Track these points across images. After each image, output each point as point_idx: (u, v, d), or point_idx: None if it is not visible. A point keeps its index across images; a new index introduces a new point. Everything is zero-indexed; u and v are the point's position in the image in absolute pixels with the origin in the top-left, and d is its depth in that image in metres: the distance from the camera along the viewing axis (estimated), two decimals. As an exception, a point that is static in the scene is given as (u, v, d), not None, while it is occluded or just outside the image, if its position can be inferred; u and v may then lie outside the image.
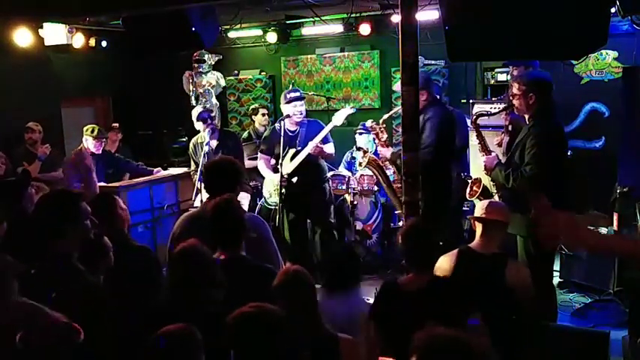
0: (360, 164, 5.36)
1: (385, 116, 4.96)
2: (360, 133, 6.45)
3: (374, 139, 5.16)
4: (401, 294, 2.78)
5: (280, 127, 5.23)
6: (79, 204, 2.75)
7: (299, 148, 5.23)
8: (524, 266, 3.35)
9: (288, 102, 5.25)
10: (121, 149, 7.24)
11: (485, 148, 4.16)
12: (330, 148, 5.31)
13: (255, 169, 6.24)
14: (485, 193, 4.14)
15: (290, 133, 5.27)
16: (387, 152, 4.69)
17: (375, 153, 6.44)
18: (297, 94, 5.29)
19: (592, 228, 4.65)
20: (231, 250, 2.78)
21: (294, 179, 5.23)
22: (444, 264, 3.14)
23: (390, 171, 5.00)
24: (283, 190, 5.17)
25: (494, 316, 2.94)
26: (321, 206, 5.45)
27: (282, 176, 5.17)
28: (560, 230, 1.94)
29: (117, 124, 7.44)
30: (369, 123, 5.13)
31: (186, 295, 2.43)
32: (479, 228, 3.23)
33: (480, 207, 3.28)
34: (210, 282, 2.45)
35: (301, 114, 5.25)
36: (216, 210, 2.85)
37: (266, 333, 1.97)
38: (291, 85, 6.89)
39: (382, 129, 4.83)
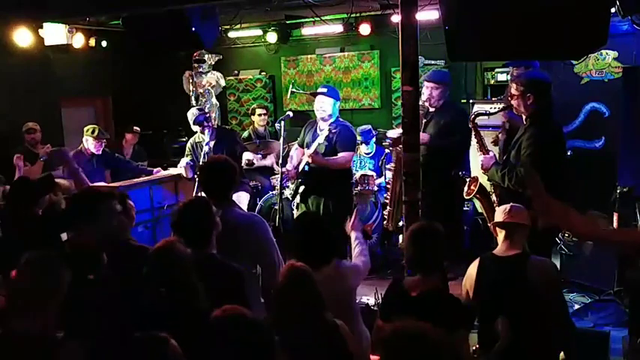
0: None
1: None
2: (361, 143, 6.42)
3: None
4: (406, 296, 2.75)
5: (280, 127, 5.21)
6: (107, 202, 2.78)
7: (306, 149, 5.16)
8: (548, 261, 3.27)
9: (314, 95, 5.17)
10: (136, 150, 7.30)
11: (483, 148, 4.16)
12: (341, 159, 5.04)
13: (256, 168, 6.26)
14: (483, 192, 4.14)
15: (318, 132, 5.12)
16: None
17: (378, 152, 6.47)
18: (324, 90, 5.11)
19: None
20: (199, 248, 2.77)
21: (300, 180, 5.18)
22: (469, 271, 3.12)
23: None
24: (300, 189, 5.15)
25: (521, 318, 2.92)
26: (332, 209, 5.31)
27: (300, 172, 5.14)
28: (554, 213, 1.99)
29: (138, 128, 7.48)
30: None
31: (163, 294, 2.46)
32: (501, 233, 3.12)
33: (500, 212, 3.18)
34: (183, 281, 2.47)
35: (324, 111, 5.04)
36: (183, 209, 2.87)
37: (241, 336, 1.98)
38: (291, 85, 6.89)
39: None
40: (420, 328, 1.75)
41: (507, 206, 3.20)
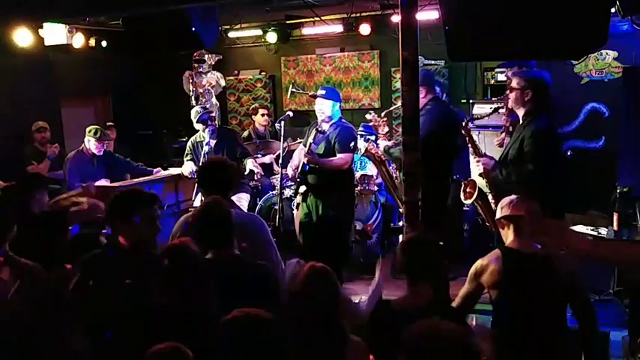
0: (362, 154, 5.32)
1: (385, 112, 5.08)
2: (361, 136, 6.42)
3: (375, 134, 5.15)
4: (396, 315, 2.68)
5: (280, 127, 5.22)
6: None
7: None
8: (563, 255, 3.23)
9: (313, 97, 5.18)
10: (117, 148, 7.24)
11: (477, 151, 4.17)
12: (338, 160, 4.99)
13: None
14: (480, 194, 4.14)
15: (320, 133, 5.11)
16: (382, 144, 4.74)
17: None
18: (322, 92, 5.12)
19: (590, 228, 4.65)
20: (221, 249, 2.77)
21: (300, 179, 5.16)
22: (489, 267, 2.96)
23: (393, 166, 5.02)
24: (302, 189, 5.14)
25: (553, 318, 2.90)
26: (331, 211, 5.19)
27: (299, 174, 5.13)
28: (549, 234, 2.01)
29: (112, 123, 7.44)
30: (369, 116, 5.05)
31: (172, 294, 2.46)
32: (510, 228, 3.03)
33: (506, 205, 3.05)
34: (195, 281, 2.47)
35: (323, 113, 5.04)
36: (203, 210, 2.87)
37: (255, 338, 1.98)
38: (291, 85, 6.89)
39: (384, 122, 4.89)
40: (443, 325, 1.75)
41: (513, 198, 3.09)
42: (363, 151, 5.03)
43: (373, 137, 6.41)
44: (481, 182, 4.19)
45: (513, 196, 3.11)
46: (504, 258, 2.94)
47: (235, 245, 2.85)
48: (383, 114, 5.05)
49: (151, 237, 2.84)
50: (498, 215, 3.10)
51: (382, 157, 4.96)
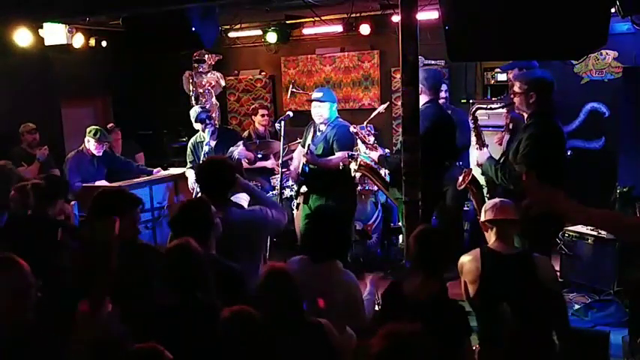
0: (355, 170, 5.30)
1: (371, 117, 5.13)
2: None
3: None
4: (406, 300, 2.71)
5: (280, 127, 5.22)
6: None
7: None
8: (547, 258, 3.28)
9: (309, 101, 5.14)
10: (124, 146, 7.22)
11: (480, 142, 4.19)
12: (337, 159, 4.98)
13: (256, 169, 6.25)
14: (475, 184, 4.17)
15: (317, 133, 5.13)
16: (374, 155, 4.73)
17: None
18: (319, 95, 5.06)
19: (590, 228, 4.65)
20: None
21: (302, 179, 5.15)
22: (468, 265, 3.05)
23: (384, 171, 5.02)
24: (303, 189, 5.13)
25: (531, 317, 2.93)
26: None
27: (300, 172, 5.12)
28: (546, 199, 2.10)
29: (112, 124, 7.42)
30: (352, 129, 4.99)
31: (176, 292, 2.47)
32: (492, 230, 3.11)
33: (490, 208, 3.14)
34: (200, 279, 2.48)
35: (321, 116, 5.03)
36: (181, 208, 2.89)
37: (245, 336, 1.98)
38: (291, 85, 6.89)
39: (367, 132, 4.91)
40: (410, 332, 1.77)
41: (496, 202, 3.18)
42: (356, 168, 5.02)
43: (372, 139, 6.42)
44: (478, 173, 4.22)
45: (497, 200, 3.21)
46: (482, 257, 3.03)
47: (212, 246, 2.86)
48: (365, 122, 5.09)
49: (129, 238, 2.82)
50: (482, 218, 3.17)
51: (371, 165, 4.94)
